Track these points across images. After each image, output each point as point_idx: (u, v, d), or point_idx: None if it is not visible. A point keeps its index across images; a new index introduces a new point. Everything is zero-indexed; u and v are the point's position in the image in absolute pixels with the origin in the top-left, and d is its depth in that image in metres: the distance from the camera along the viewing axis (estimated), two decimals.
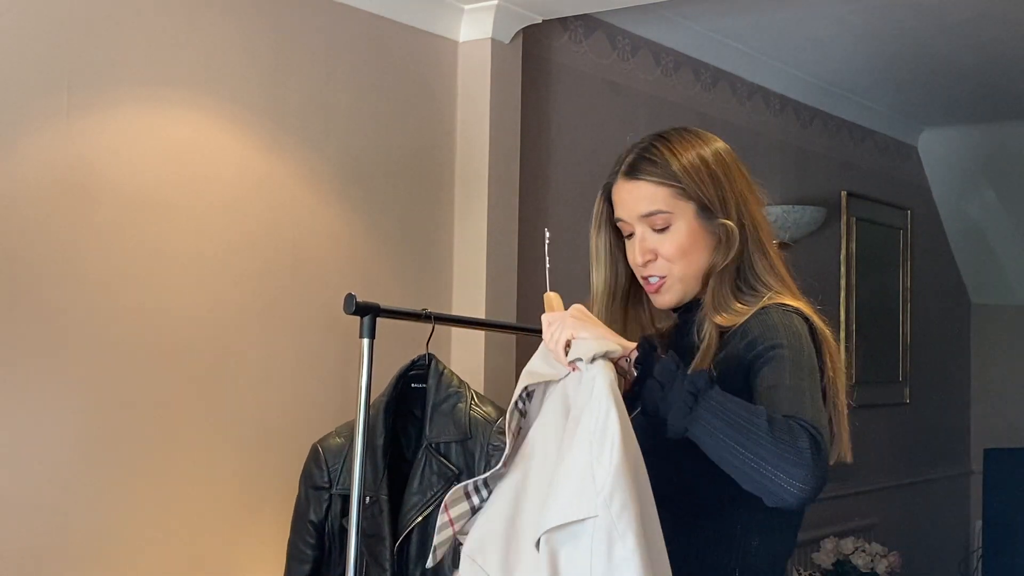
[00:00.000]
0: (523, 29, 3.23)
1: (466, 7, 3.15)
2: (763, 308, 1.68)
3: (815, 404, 1.56)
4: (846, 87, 4.74)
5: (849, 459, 1.74)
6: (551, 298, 1.75)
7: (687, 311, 1.79)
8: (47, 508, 2.29)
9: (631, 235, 1.78)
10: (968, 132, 5.44)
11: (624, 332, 1.77)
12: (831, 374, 1.69)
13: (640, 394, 1.59)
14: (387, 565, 2.26)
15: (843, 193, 4.96)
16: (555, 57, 3.49)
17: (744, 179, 1.79)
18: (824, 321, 1.73)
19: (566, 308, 1.70)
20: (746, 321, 1.67)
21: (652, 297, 1.79)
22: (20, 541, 2.24)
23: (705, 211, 1.74)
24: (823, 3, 3.64)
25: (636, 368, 1.60)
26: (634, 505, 1.46)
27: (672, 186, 1.73)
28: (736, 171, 1.79)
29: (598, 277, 1.84)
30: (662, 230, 1.74)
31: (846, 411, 1.73)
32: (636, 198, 1.75)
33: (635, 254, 1.77)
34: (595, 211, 1.83)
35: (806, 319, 1.68)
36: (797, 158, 4.66)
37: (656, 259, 1.75)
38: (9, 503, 2.23)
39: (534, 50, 3.39)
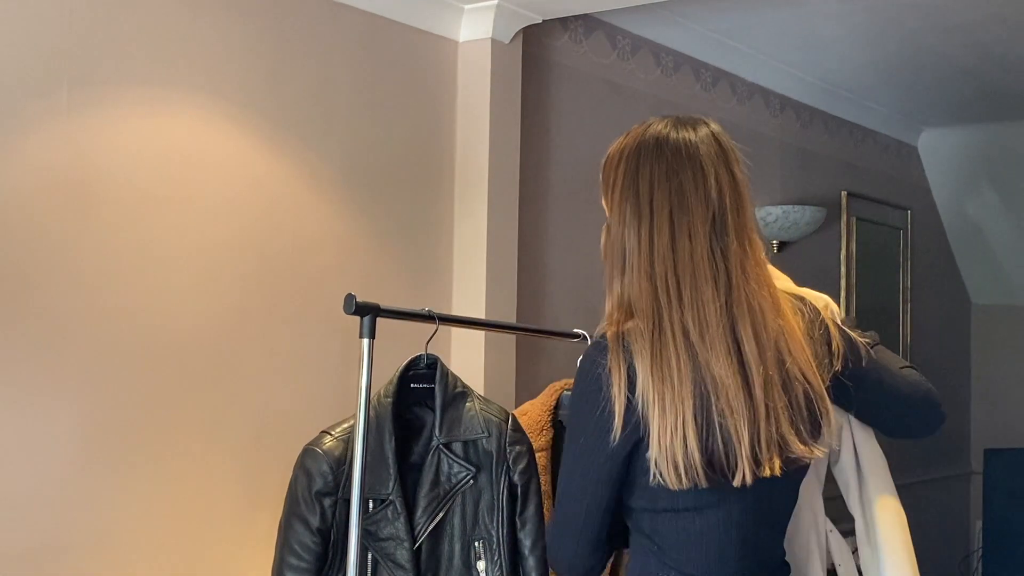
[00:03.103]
0: (523, 29, 3.23)
1: (466, 7, 3.14)
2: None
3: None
4: (846, 87, 4.73)
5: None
6: None
7: None
8: (46, 508, 2.28)
9: None
10: (968, 132, 5.43)
11: None
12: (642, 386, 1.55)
13: None
14: (408, 566, 2.26)
15: (843, 193, 4.96)
16: (555, 57, 3.49)
17: (658, 178, 1.57)
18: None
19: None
20: None
21: None
22: (19, 540, 2.24)
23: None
24: (823, 3, 3.64)
25: None
26: None
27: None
28: (648, 167, 1.57)
29: None
30: None
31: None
32: None
33: None
34: None
35: (601, 345, 1.56)
36: (797, 158, 4.66)
37: None
38: (8, 503, 2.22)
39: (534, 50, 3.39)
